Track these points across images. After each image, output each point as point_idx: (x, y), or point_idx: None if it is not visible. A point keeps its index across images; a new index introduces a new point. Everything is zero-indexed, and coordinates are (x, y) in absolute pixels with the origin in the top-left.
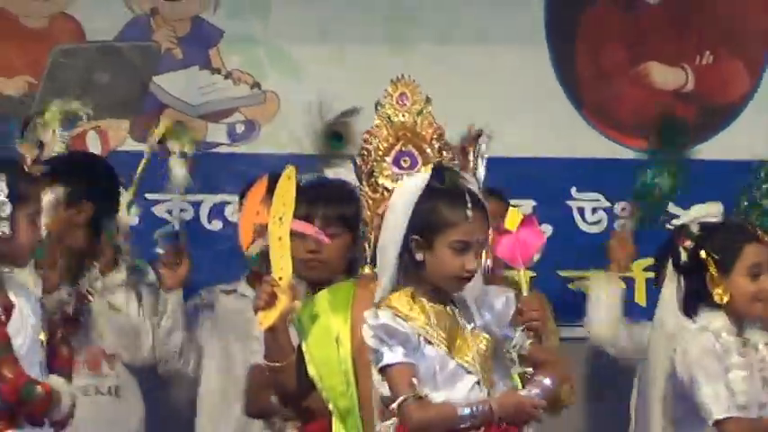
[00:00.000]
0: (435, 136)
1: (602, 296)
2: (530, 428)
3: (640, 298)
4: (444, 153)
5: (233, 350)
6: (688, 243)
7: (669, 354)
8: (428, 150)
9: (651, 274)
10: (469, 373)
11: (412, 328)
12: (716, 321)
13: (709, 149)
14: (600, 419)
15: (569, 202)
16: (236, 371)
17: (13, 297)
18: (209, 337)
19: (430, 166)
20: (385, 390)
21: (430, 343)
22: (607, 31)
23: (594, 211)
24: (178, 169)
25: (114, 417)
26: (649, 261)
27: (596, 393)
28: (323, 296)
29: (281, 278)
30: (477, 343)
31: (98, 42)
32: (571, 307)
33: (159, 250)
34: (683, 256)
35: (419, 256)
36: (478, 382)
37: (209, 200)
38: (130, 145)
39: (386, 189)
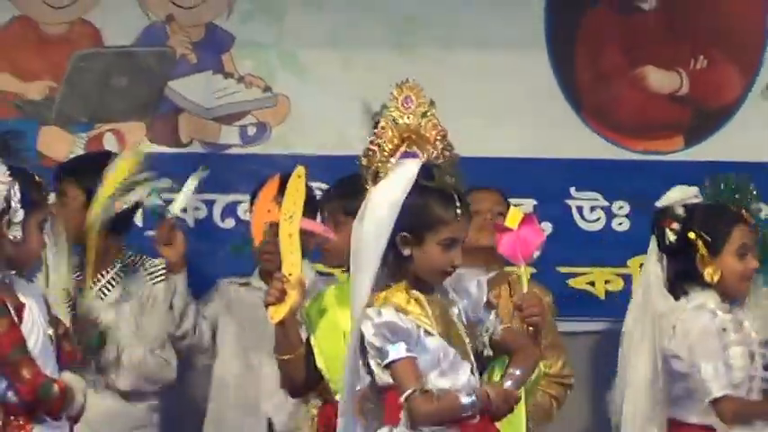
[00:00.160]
0: (439, 137)
1: None
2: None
3: None
4: (447, 153)
5: (247, 340)
6: (675, 225)
7: (659, 333)
8: (432, 151)
9: None
10: (465, 359)
11: (412, 322)
12: (709, 300)
13: (704, 151)
14: (596, 413)
15: (568, 201)
16: (249, 360)
17: (22, 298)
18: (224, 328)
19: (415, 161)
20: (382, 380)
21: (430, 334)
22: (605, 36)
23: (593, 209)
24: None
25: (124, 410)
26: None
27: (593, 387)
28: (330, 292)
29: (290, 274)
30: (464, 329)
31: (116, 48)
32: (570, 302)
33: (151, 232)
34: (671, 238)
35: (406, 252)
36: (472, 369)
37: (221, 199)
38: (147, 146)
39: None
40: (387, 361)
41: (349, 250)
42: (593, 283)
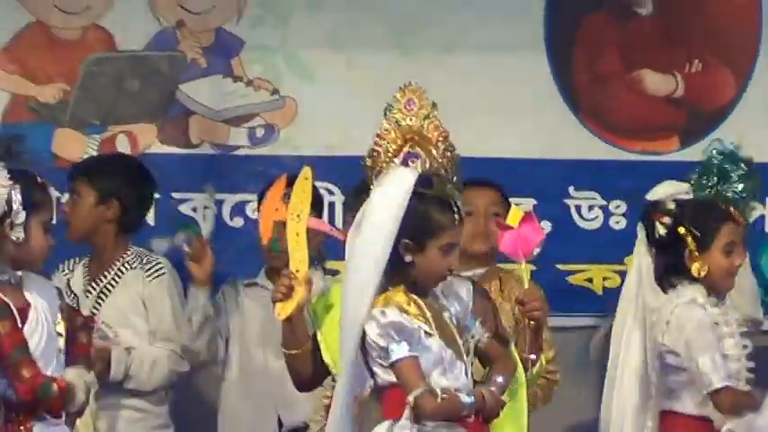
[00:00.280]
0: (441, 138)
1: None
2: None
3: None
4: (449, 154)
5: (254, 339)
6: (666, 219)
7: (651, 327)
8: (434, 152)
9: None
10: (459, 360)
11: (414, 323)
12: (698, 294)
13: (698, 151)
14: (594, 406)
15: (567, 201)
16: (258, 358)
17: (29, 297)
18: (233, 328)
19: (410, 169)
20: (382, 380)
21: (430, 335)
22: (603, 41)
23: (591, 208)
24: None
25: (131, 404)
26: None
27: (589, 381)
28: (337, 288)
29: (298, 271)
30: (457, 332)
31: (128, 52)
32: (568, 298)
33: (185, 248)
34: (661, 231)
35: (408, 258)
36: (465, 370)
37: (230, 198)
38: (158, 147)
39: None
40: (391, 360)
41: None
42: (591, 280)
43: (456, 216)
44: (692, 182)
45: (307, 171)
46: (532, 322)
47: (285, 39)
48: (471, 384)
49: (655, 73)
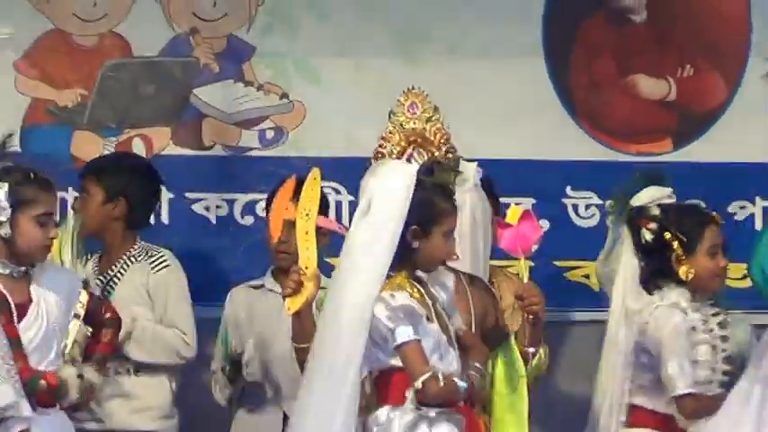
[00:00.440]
0: (443, 140)
1: None
2: None
3: None
4: (450, 155)
5: (262, 339)
6: (652, 225)
7: (633, 327)
8: (436, 153)
9: None
10: (452, 346)
11: (419, 309)
12: (682, 299)
13: (690, 153)
14: (587, 400)
15: (564, 200)
16: (267, 357)
17: (34, 292)
18: (241, 328)
19: (401, 162)
20: (381, 363)
21: (429, 320)
22: (598, 47)
23: (587, 207)
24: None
25: (136, 393)
26: None
27: (586, 373)
28: None
29: (307, 267)
30: (447, 319)
31: (143, 58)
32: (565, 294)
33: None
34: (647, 237)
35: (415, 245)
36: (457, 357)
37: (241, 198)
38: (172, 149)
39: None
40: (397, 342)
41: None
42: (587, 276)
43: (455, 202)
44: None
45: (315, 172)
46: (531, 316)
47: (294, 45)
48: (461, 370)
49: (648, 77)
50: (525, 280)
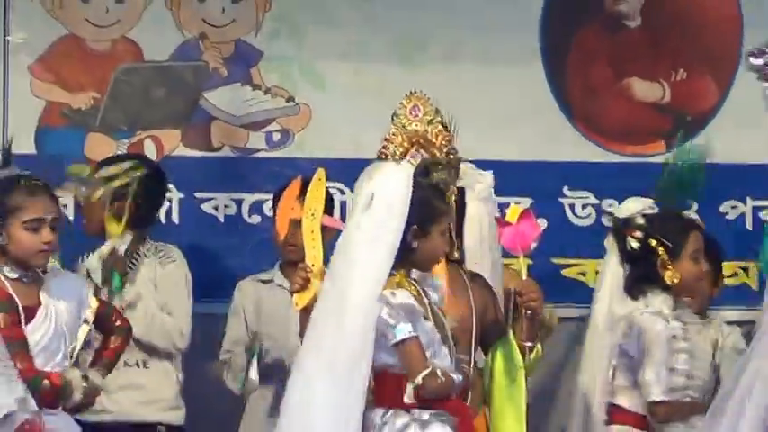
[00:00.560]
0: (444, 142)
1: None
2: None
3: None
4: (451, 156)
5: (270, 331)
6: (637, 234)
7: (620, 330)
8: (438, 154)
9: None
10: (445, 344)
11: (418, 307)
12: (665, 306)
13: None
14: None
15: (562, 200)
16: (274, 351)
17: (43, 296)
18: (250, 321)
19: (404, 161)
20: (379, 361)
21: (426, 318)
22: (595, 52)
23: (584, 207)
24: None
25: (143, 385)
26: None
27: (581, 369)
28: None
29: (313, 264)
30: (442, 317)
31: (154, 63)
32: (562, 290)
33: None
34: (633, 245)
35: (414, 245)
36: (450, 353)
37: (249, 198)
38: (182, 151)
39: None
40: (396, 339)
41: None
42: (584, 273)
43: (450, 202)
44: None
45: (320, 173)
46: (529, 312)
47: (300, 50)
48: (454, 366)
49: (643, 81)
50: (524, 276)
